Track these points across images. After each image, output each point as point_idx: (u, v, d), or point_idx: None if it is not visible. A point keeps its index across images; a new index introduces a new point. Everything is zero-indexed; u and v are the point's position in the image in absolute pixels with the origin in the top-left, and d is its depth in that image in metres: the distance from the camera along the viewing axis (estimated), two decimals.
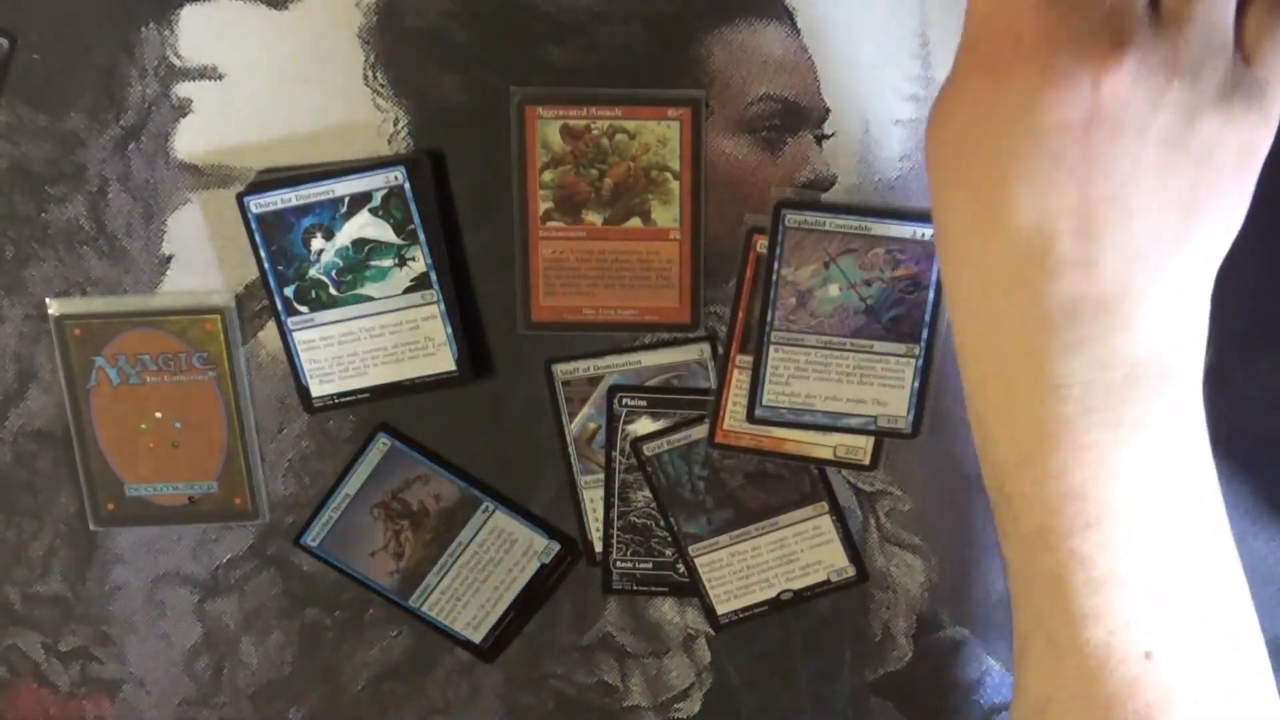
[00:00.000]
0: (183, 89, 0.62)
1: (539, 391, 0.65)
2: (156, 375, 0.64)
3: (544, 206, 0.62)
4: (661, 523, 0.65)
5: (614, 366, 0.64)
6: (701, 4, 0.60)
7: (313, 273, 0.61)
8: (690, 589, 0.66)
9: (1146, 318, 0.45)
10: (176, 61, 0.62)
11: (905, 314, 0.61)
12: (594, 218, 0.62)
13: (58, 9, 0.61)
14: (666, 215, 0.62)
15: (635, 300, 0.63)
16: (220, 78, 0.62)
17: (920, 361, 0.61)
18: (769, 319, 0.61)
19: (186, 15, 0.61)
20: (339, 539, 0.66)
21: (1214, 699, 0.46)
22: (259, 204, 0.60)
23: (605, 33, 0.61)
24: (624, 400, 0.64)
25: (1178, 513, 0.46)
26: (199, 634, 0.69)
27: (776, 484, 0.64)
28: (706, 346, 0.64)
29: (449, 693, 0.69)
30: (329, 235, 0.61)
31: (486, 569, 0.66)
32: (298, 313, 0.62)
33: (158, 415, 0.65)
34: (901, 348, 0.61)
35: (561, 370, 0.64)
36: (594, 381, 0.64)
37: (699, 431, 0.64)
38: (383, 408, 0.64)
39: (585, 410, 0.65)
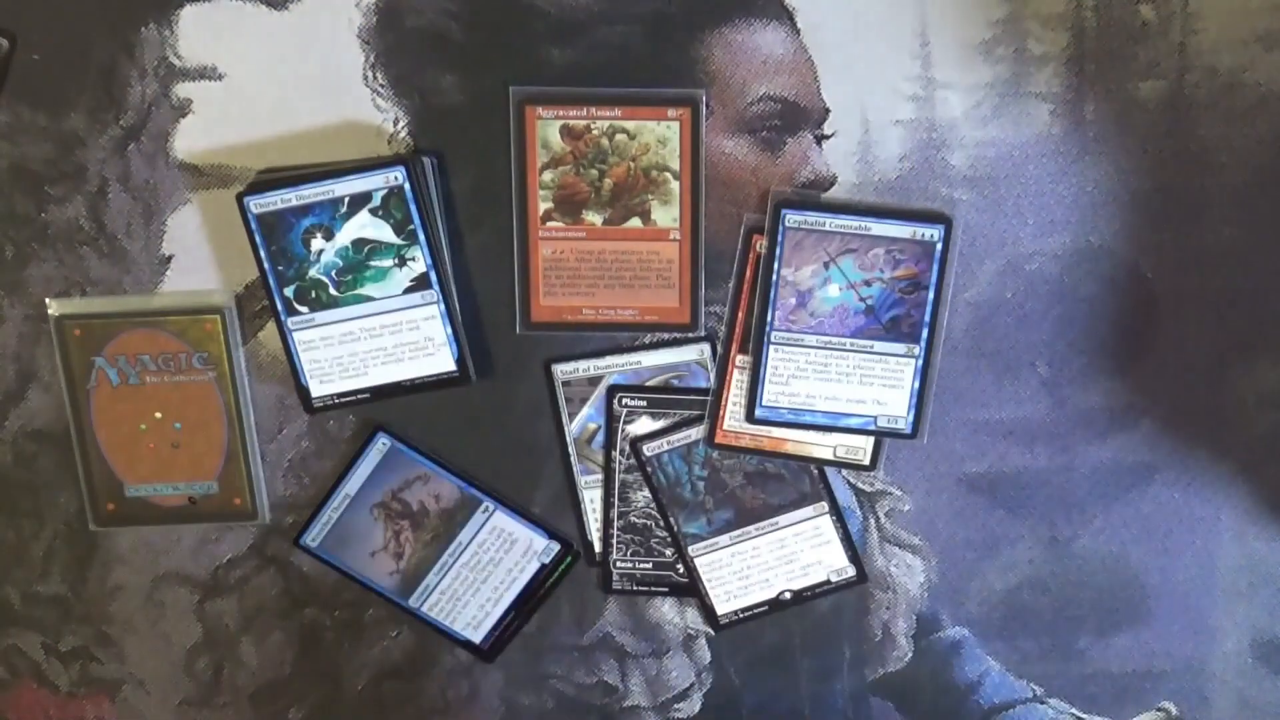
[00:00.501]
0: (183, 89, 0.62)
1: (539, 391, 0.65)
2: (156, 375, 0.64)
3: (544, 206, 0.62)
4: (661, 523, 0.65)
5: (614, 366, 0.64)
6: (701, 4, 0.60)
7: (313, 273, 0.61)
8: (690, 589, 0.66)
9: None
10: (176, 61, 0.62)
11: (905, 314, 0.61)
12: (594, 218, 0.62)
13: (58, 9, 0.61)
14: (666, 215, 0.62)
15: (635, 300, 0.63)
16: (220, 78, 0.62)
17: (920, 361, 0.61)
18: (769, 319, 0.61)
19: (186, 15, 0.61)
20: (339, 539, 0.66)
21: None
22: (259, 204, 0.60)
23: (605, 33, 0.61)
24: (624, 400, 0.64)
25: None
26: (199, 634, 0.69)
27: (776, 484, 0.64)
28: (706, 346, 0.64)
29: (449, 693, 0.69)
30: (329, 235, 0.61)
31: (486, 569, 0.66)
32: (298, 313, 0.62)
33: (158, 415, 0.65)
34: (901, 348, 0.61)
35: (561, 370, 0.64)
36: (594, 381, 0.64)
37: (699, 431, 0.64)
38: (383, 408, 0.64)
39: (585, 410, 0.65)
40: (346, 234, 0.61)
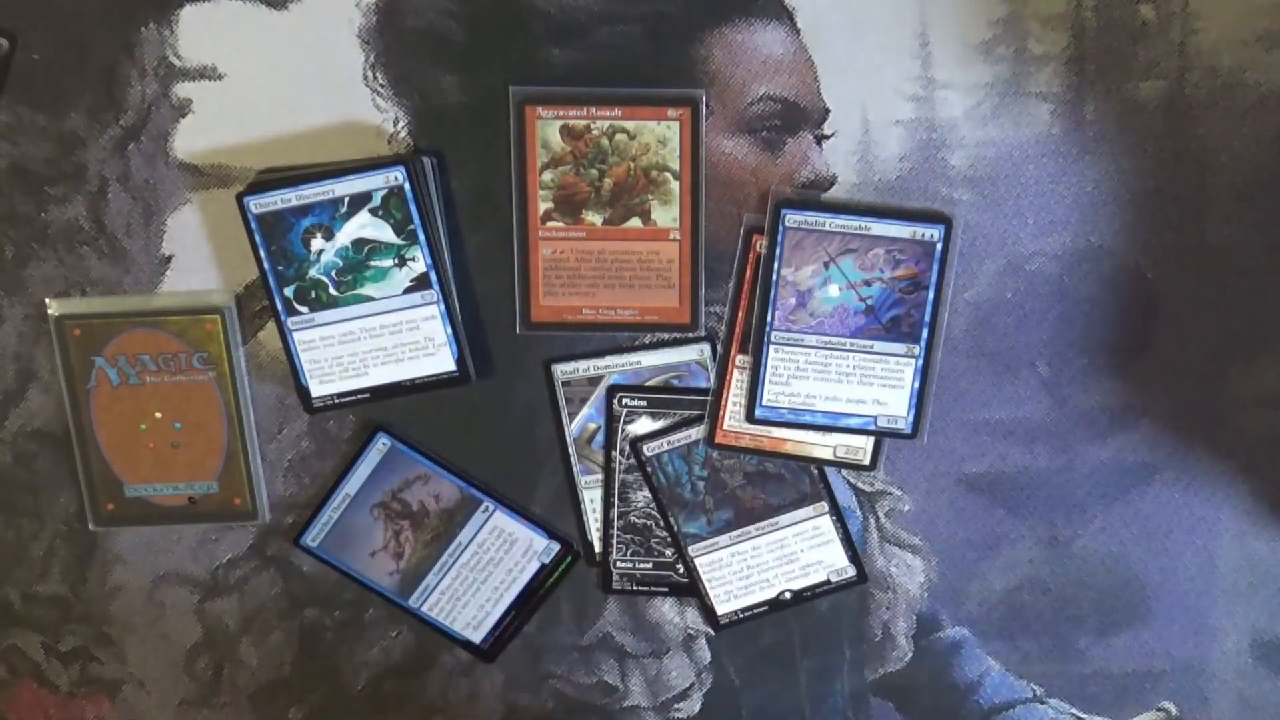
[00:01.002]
0: (183, 89, 0.62)
1: (539, 391, 0.65)
2: (156, 375, 0.64)
3: (544, 206, 0.62)
4: (661, 523, 0.65)
5: (614, 366, 0.64)
6: (701, 4, 0.60)
7: (313, 273, 0.61)
8: (690, 589, 0.66)
9: None
10: (176, 61, 0.62)
11: (905, 314, 0.61)
12: (594, 218, 0.62)
13: (58, 9, 0.61)
14: (666, 215, 0.62)
15: (635, 300, 0.63)
16: (220, 78, 0.62)
17: (920, 361, 0.61)
18: (769, 319, 0.61)
19: (186, 15, 0.61)
20: (339, 539, 0.66)
21: None
22: (259, 204, 0.60)
23: (605, 33, 0.61)
24: (624, 400, 0.64)
25: None
26: (199, 634, 0.69)
27: (776, 484, 0.64)
28: (706, 346, 0.64)
29: (449, 693, 0.69)
30: (329, 235, 0.61)
31: (486, 569, 0.66)
32: (298, 313, 0.62)
33: (158, 415, 0.65)
34: (901, 348, 0.61)
35: (561, 370, 0.64)
36: (594, 381, 0.64)
37: (699, 431, 0.64)
38: (383, 408, 0.64)
39: (585, 410, 0.65)
40: (346, 234, 0.61)
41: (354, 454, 0.65)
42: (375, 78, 0.61)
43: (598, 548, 0.66)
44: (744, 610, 0.66)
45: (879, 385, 0.62)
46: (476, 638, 0.67)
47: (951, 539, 0.66)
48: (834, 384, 0.62)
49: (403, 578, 0.66)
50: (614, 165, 0.61)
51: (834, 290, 0.61)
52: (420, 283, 0.61)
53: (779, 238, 0.60)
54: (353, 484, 0.65)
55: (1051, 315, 0.63)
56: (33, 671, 0.69)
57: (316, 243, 0.61)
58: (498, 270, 0.63)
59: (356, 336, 0.62)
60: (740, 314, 0.63)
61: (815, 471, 0.64)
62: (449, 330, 0.62)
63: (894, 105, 0.61)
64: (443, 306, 0.62)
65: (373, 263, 0.61)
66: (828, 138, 0.61)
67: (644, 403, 0.64)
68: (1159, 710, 0.68)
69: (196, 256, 0.64)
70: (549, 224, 0.62)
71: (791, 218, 0.60)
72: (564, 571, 0.67)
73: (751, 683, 0.68)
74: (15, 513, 0.67)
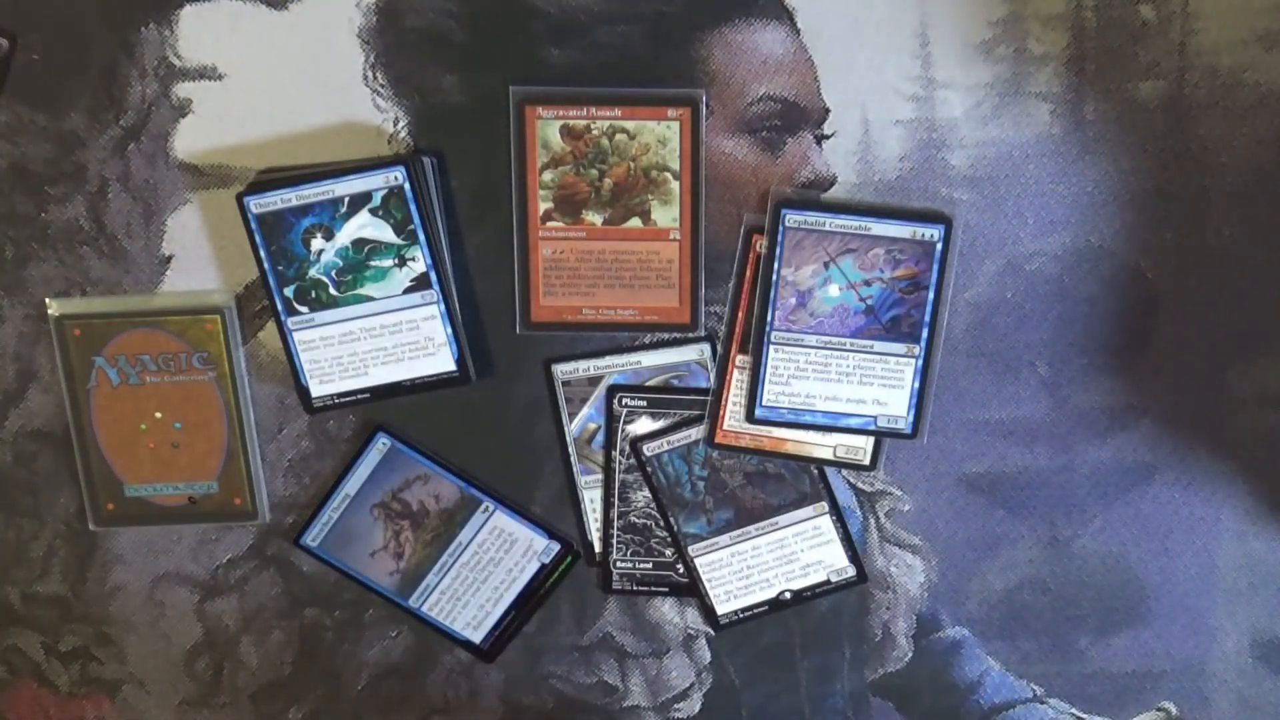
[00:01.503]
0: (183, 89, 0.62)
1: (539, 391, 0.65)
2: (156, 375, 0.64)
3: (544, 206, 0.62)
4: (661, 523, 0.65)
5: (614, 366, 0.64)
6: (701, 4, 0.60)
7: (313, 273, 0.61)
8: (690, 589, 0.66)
9: None
10: (176, 61, 0.62)
11: (905, 314, 0.61)
12: (594, 218, 0.62)
13: (58, 9, 0.61)
14: (666, 215, 0.62)
15: (635, 300, 0.63)
16: (220, 78, 0.62)
17: (920, 361, 0.61)
18: (769, 319, 0.61)
19: (186, 15, 0.61)
20: (339, 539, 0.66)
21: None
22: (259, 204, 0.60)
23: (605, 33, 0.61)
24: (624, 400, 0.64)
25: None
26: (199, 634, 0.69)
27: (776, 484, 0.64)
28: (706, 346, 0.64)
29: (449, 693, 0.69)
30: (329, 235, 0.61)
31: (486, 569, 0.66)
32: (298, 313, 0.62)
33: (158, 415, 0.65)
34: (901, 348, 0.61)
35: (561, 370, 0.64)
36: (594, 381, 0.64)
37: (699, 431, 0.64)
38: (383, 408, 0.64)
39: (585, 410, 0.65)
40: (346, 234, 0.61)
41: (354, 454, 0.65)
42: (375, 78, 0.61)
43: (598, 548, 0.66)
44: (744, 610, 0.66)
45: (879, 385, 0.62)
46: (476, 638, 0.67)
47: (951, 539, 0.66)
48: (834, 384, 0.62)
49: (403, 578, 0.66)
50: (614, 165, 0.61)
51: (834, 290, 0.61)
52: (420, 283, 0.61)
53: (779, 238, 0.60)
54: (353, 484, 0.65)
55: (1051, 315, 0.63)
56: (33, 671, 0.69)
57: (316, 243, 0.61)
58: (498, 270, 0.63)
59: (356, 336, 0.62)
60: (740, 314, 0.63)
61: (815, 471, 0.64)
62: (449, 330, 0.62)
63: (894, 105, 0.61)
64: (443, 306, 0.62)
65: (373, 263, 0.61)
66: (828, 138, 0.61)
67: (644, 403, 0.64)
68: (1159, 710, 0.68)
69: (196, 256, 0.64)
70: (549, 224, 0.62)
71: (791, 218, 0.60)
72: (564, 571, 0.67)
73: (751, 683, 0.68)
74: (15, 513, 0.67)
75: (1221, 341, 0.63)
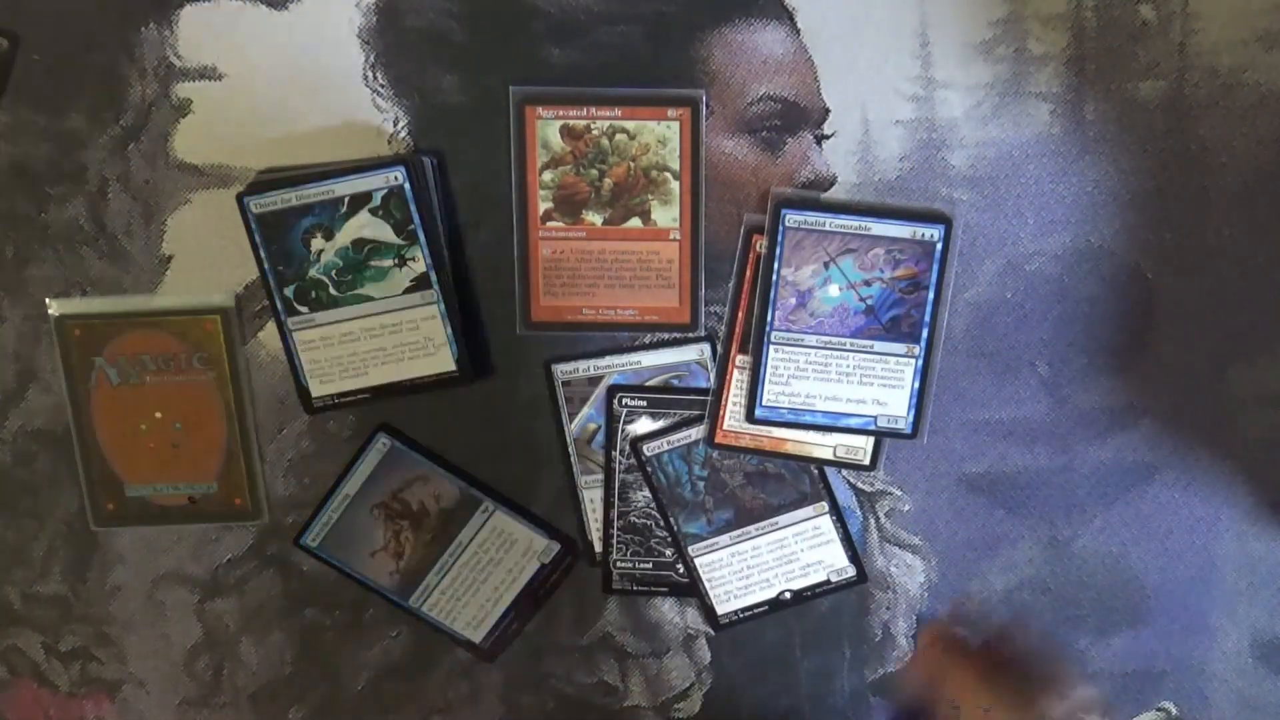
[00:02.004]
0: (183, 89, 0.62)
1: (539, 391, 0.65)
2: (156, 375, 0.64)
3: (544, 206, 0.62)
4: (661, 523, 0.65)
5: (614, 366, 0.64)
6: (701, 4, 0.60)
7: (313, 273, 0.61)
8: (690, 589, 0.66)
9: None
10: (176, 61, 0.62)
11: (905, 314, 0.61)
12: (594, 218, 0.62)
13: (58, 9, 0.61)
14: (666, 215, 0.62)
15: (635, 300, 0.63)
16: (220, 78, 0.62)
17: (920, 361, 0.61)
18: (769, 319, 0.61)
19: (186, 15, 0.61)
20: (339, 539, 0.66)
21: None
22: (259, 204, 0.60)
23: (605, 33, 0.61)
24: (624, 400, 0.64)
25: None
26: (199, 634, 0.69)
27: (776, 484, 0.64)
28: (706, 346, 0.64)
29: (449, 693, 0.69)
30: (329, 235, 0.61)
31: (486, 569, 0.66)
32: (298, 313, 0.62)
33: (158, 415, 0.65)
34: (901, 348, 0.61)
35: (561, 370, 0.64)
36: (594, 381, 0.64)
37: (699, 431, 0.64)
38: (383, 408, 0.64)
39: (585, 410, 0.65)
40: (346, 234, 0.61)
41: (354, 454, 0.65)
42: (375, 78, 0.61)
43: (598, 548, 0.66)
44: (744, 610, 0.66)
45: (879, 385, 0.62)
46: (476, 638, 0.67)
47: (951, 539, 0.66)
48: (834, 384, 0.62)
49: (403, 578, 0.66)
50: (614, 165, 0.61)
51: (834, 290, 0.61)
52: (420, 283, 0.61)
53: (779, 238, 0.60)
54: (353, 484, 0.65)
55: (1051, 315, 0.63)
56: (33, 671, 0.69)
57: (316, 243, 0.61)
58: (498, 270, 0.63)
59: (356, 336, 0.62)
60: (740, 314, 0.63)
61: (815, 471, 0.64)
62: (449, 330, 0.62)
63: (894, 105, 0.61)
64: (443, 306, 0.61)
65: (373, 263, 0.61)
66: (828, 138, 0.61)
67: (644, 403, 0.64)
68: (1159, 710, 0.68)
69: (196, 256, 0.64)
70: (549, 224, 0.62)
71: (791, 218, 0.60)
72: (564, 571, 0.67)
73: (751, 683, 0.68)
74: (15, 513, 0.67)
75: (1221, 341, 0.63)
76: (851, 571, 0.65)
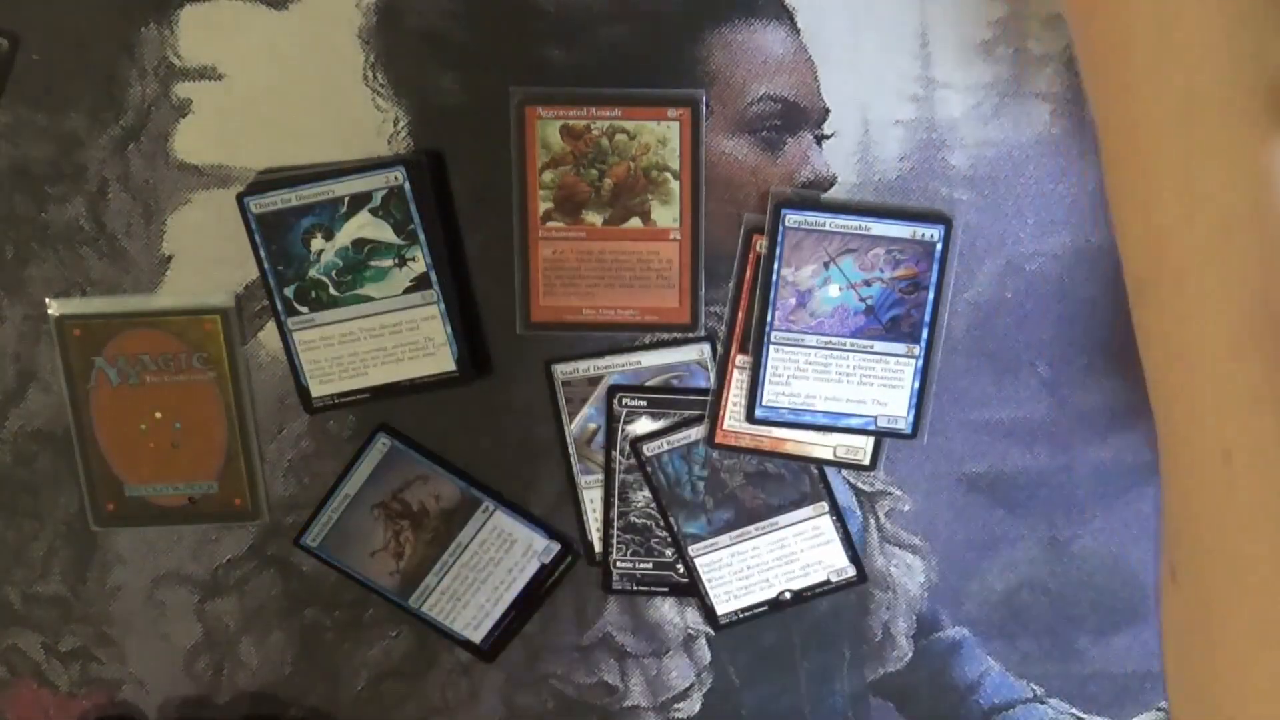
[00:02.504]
0: (183, 89, 0.62)
1: (539, 391, 0.65)
2: (156, 375, 0.64)
3: (544, 206, 0.62)
4: (661, 523, 0.65)
5: (614, 366, 0.64)
6: (701, 4, 0.60)
7: (313, 273, 0.61)
8: (690, 589, 0.66)
9: None
10: (176, 61, 0.62)
11: (905, 314, 0.61)
12: (594, 218, 0.62)
13: (58, 9, 0.61)
14: (666, 215, 0.62)
15: (635, 300, 0.63)
16: (220, 78, 0.62)
17: (920, 361, 0.61)
18: (769, 319, 0.61)
19: (186, 15, 0.61)
20: (339, 539, 0.66)
21: None
22: (259, 204, 0.60)
23: (605, 33, 0.61)
24: (624, 400, 0.64)
25: None
26: (199, 634, 0.69)
27: (776, 484, 0.64)
28: (706, 346, 0.64)
29: (449, 693, 0.69)
30: (329, 235, 0.61)
31: (486, 569, 0.66)
32: (298, 313, 0.62)
33: (158, 415, 0.65)
34: (901, 348, 0.61)
35: (561, 370, 0.64)
36: (594, 381, 0.64)
37: (699, 431, 0.64)
38: (383, 408, 0.64)
39: (585, 410, 0.65)
40: (346, 234, 0.61)
41: (354, 454, 0.65)
42: (375, 78, 0.61)
43: (598, 548, 0.66)
44: (744, 610, 0.66)
45: (879, 385, 0.62)
46: (476, 638, 0.67)
47: (951, 539, 0.66)
48: (834, 384, 0.62)
49: (403, 578, 0.66)
50: (614, 165, 0.61)
51: (834, 290, 0.61)
52: (420, 283, 0.61)
53: (779, 238, 0.60)
54: (353, 484, 0.65)
55: (1051, 315, 0.63)
56: (33, 671, 0.69)
57: (316, 243, 0.61)
58: (498, 270, 0.63)
59: (356, 336, 0.62)
60: (740, 314, 0.63)
61: (815, 471, 0.64)
62: (449, 330, 0.62)
63: (894, 105, 0.61)
64: (443, 306, 0.62)
65: (373, 263, 0.61)
66: (828, 138, 0.61)
67: (644, 403, 0.64)
68: (1159, 710, 0.68)
69: (196, 256, 0.64)
70: (549, 224, 0.62)
71: (791, 218, 0.60)
72: (564, 571, 0.67)
73: (751, 683, 0.68)
74: (15, 513, 0.67)
75: None
76: (851, 571, 0.65)
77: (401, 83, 0.62)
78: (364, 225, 0.60)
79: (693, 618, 0.67)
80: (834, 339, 0.61)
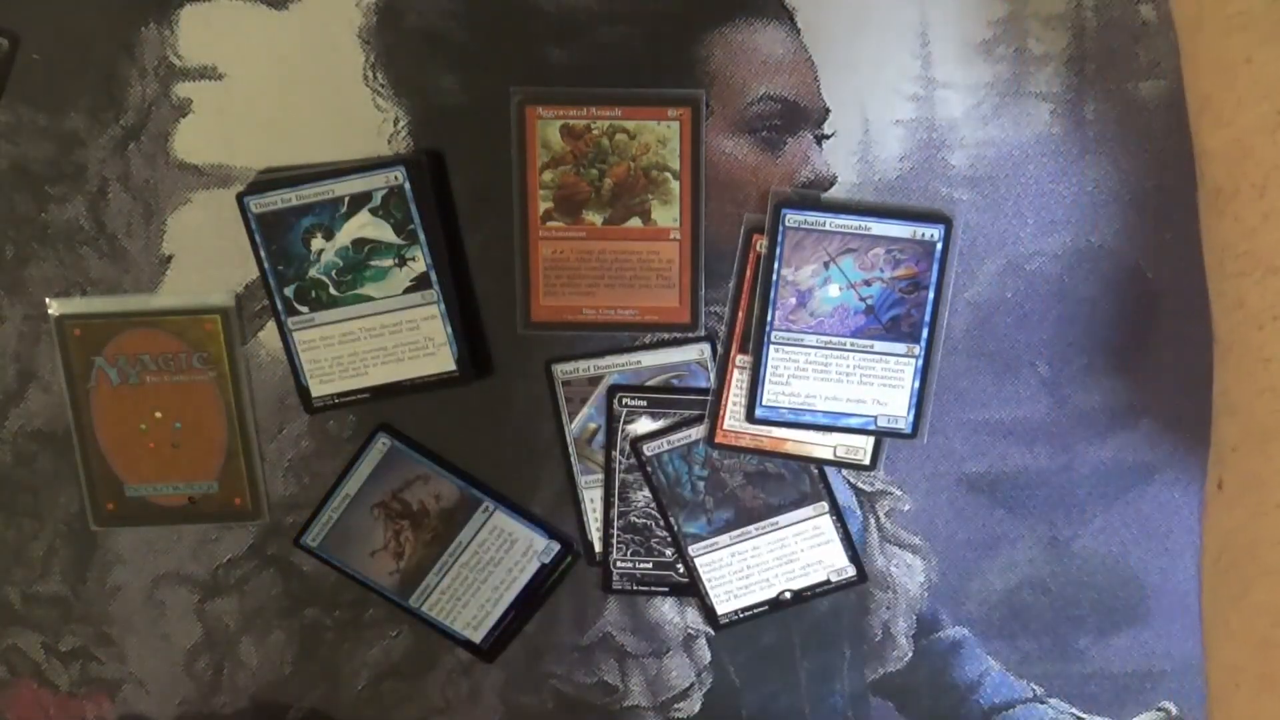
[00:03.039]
0: (183, 89, 0.62)
1: (539, 391, 0.65)
2: (156, 375, 0.64)
3: (544, 206, 0.62)
4: (661, 523, 0.65)
5: (614, 366, 0.64)
6: (701, 4, 0.60)
7: (313, 273, 0.61)
8: (690, 589, 0.66)
9: None
10: (176, 61, 0.62)
11: (905, 314, 0.61)
12: (594, 218, 0.62)
13: (58, 9, 0.61)
14: (666, 215, 0.62)
15: (635, 300, 0.63)
16: (220, 78, 0.62)
17: (920, 361, 0.61)
18: (769, 319, 0.61)
19: (186, 15, 0.61)
20: (339, 539, 0.66)
21: None
22: (259, 204, 0.60)
23: (605, 33, 0.61)
24: (624, 400, 0.64)
25: None
26: (199, 634, 0.69)
27: (776, 484, 0.64)
28: (706, 346, 0.64)
29: (449, 693, 0.69)
30: (329, 235, 0.61)
31: (486, 569, 0.66)
32: (298, 313, 0.62)
33: (158, 415, 0.65)
34: (901, 348, 0.61)
35: (561, 370, 0.64)
36: (594, 381, 0.64)
37: (699, 431, 0.64)
38: (383, 408, 0.64)
39: (585, 410, 0.65)
40: (346, 234, 0.61)
41: (354, 454, 0.65)
42: (375, 78, 0.61)
43: (598, 548, 0.66)
44: (744, 610, 0.66)
45: (879, 385, 0.62)
46: (476, 638, 0.67)
47: (951, 539, 0.66)
48: (834, 384, 0.62)
49: (403, 578, 0.66)
50: (614, 165, 0.61)
51: (834, 290, 0.61)
52: (420, 283, 0.61)
53: (779, 238, 0.60)
54: (353, 484, 0.65)
55: (1051, 315, 0.63)
56: (33, 671, 0.69)
57: (316, 243, 0.61)
58: (498, 270, 0.63)
59: (356, 336, 0.62)
60: (740, 314, 0.63)
61: (815, 471, 0.64)
62: (449, 330, 0.62)
63: (894, 105, 0.61)
64: (443, 306, 0.62)
65: (373, 263, 0.61)
66: (828, 138, 0.61)
67: (644, 403, 0.64)
68: (1159, 710, 0.68)
69: (196, 256, 0.64)
70: (549, 224, 0.62)
71: (791, 218, 0.60)
72: (564, 571, 0.67)
73: (751, 683, 0.68)
74: (15, 513, 0.67)
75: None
76: (851, 571, 0.65)
77: (401, 83, 0.62)
78: (364, 225, 0.60)
79: (693, 618, 0.67)
80: (834, 339, 0.61)
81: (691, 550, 0.65)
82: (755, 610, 0.66)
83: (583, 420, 0.65)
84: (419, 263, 0.61)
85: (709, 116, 0.61)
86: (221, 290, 0.64)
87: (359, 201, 0.60)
